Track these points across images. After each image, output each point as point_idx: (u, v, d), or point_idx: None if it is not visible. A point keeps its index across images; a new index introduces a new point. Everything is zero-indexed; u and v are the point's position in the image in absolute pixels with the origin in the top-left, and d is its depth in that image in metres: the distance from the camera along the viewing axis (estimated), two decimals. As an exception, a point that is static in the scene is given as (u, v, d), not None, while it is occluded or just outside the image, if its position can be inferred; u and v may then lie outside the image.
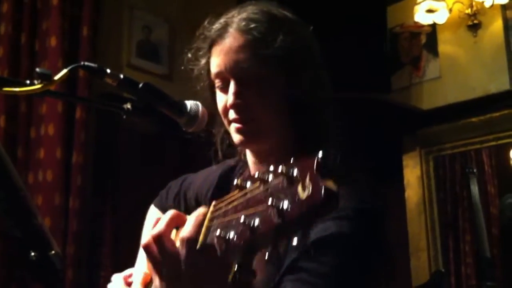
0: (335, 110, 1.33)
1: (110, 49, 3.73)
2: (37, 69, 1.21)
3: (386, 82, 3.85)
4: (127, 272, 1.49)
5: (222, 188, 1.43)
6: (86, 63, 1.27)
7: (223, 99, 1.31)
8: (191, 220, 0.91)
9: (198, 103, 1.35)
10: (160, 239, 0.93)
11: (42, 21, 3.28)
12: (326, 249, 1.11)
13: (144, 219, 1.67)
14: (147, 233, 0.97)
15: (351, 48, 3.71)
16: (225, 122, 1.34)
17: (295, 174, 0.72)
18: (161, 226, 0.95)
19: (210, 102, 1.37)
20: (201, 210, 0.93)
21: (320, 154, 0.70)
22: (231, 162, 1.51)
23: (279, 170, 0.74)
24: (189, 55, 1.39)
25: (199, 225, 0.90)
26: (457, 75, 3.72)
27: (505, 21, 3.57)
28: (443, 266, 3.78)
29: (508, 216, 3.93)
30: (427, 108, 3.79)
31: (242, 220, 0.77)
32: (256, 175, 0.79)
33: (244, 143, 1.31)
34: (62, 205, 3.08)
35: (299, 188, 0.71)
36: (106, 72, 1.26)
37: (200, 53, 1.36)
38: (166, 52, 4.01)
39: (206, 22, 1.36)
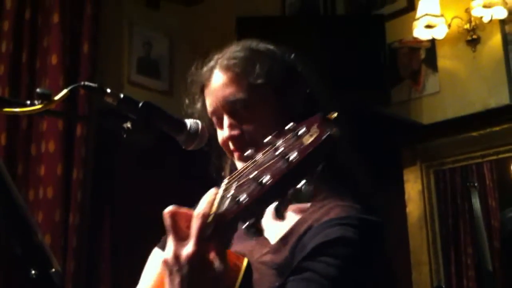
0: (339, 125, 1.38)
1: (110, 65, 3.75)
2: (38, 90, 1.21)
3: (386, 96, 3.87)
4: None
5: None
6: (86, 83, 1.28)
7: (221, 135, 1.39)
8: (204, 198, 0.95)
9: (198, 121, 1.37)
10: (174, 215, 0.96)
11: (42, 38, 3.30)
12: (330, 251, 1.17)
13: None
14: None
15: (350, 62, 3.73)
16: (229, 155, 1.42)
17: (303, 129, 0.80)
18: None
19: (215, 141, 1.44)
20: (212, 189, 0.96)
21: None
22: None
23: (287, 128, 0.82)
24: (187, 101, 1.50)
25: (211, 202, 0.93)
26: (457, 90, 3.73)
27: (504, 36, 3.58)
28: (444, 279, 3.76)
29: (510, 229, 3.92)
30: (427, 122, 3.80)
31: (252, 176, 0.82)
32: (266, 140, 0.86)
33: None
34: (62, 221, 3.08)
35: (306, 137, 0.78)
36: (106, 91, 1.27)
37: (196, 97, 1.47)
38: (167, 68, 4.03)
39: (193, 68, 1.47)
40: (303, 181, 0.78)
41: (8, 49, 3.17)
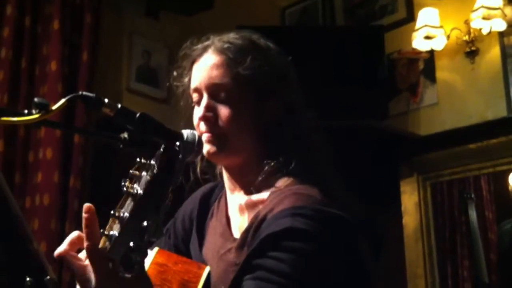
0: (317, 136, 1.41)
1: (109, 73, 3.76)
2: (35, 99, 1.21)
3: (384, 108, 3.87)
4: None
5: (203, 207, 1.52)
6: (84, 93, 1.27)
7: (197, 113, 1.39)
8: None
9: (195, 132, 1.36)
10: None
11: (42, 46, 3.30)
12: (278, 244, 1.13)
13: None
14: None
15: (348, 74, 3.73)
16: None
17: (151, 162, 0.88)
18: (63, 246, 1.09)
19: (192, 120, 1.43)
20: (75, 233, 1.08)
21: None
22: (212, 183, 1.57)
23: (142, 161, 0.90)
24: (175, 73, 1.48)
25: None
26: (455, 102, 3.74)
27: (503, 48, 3.60)
28: (441, 292, 3.76)
29: (507, 242, 3.91)
30: (425, 134, 3.80)
31: (121, 212, 0.89)
32: (131, 171, 0.93)
33: (212, 154, 1.36)
34: (59, 229, 3.08)
35: (150, 172, 0.87)
36: (103, 102, 1.26)
37: (184, 71, 1.46)
38: (165, 76, 4.04)
39: (189, 42, 1.46)
40: (147, 219, 0.83)
41: (7, 56, 3.17)
